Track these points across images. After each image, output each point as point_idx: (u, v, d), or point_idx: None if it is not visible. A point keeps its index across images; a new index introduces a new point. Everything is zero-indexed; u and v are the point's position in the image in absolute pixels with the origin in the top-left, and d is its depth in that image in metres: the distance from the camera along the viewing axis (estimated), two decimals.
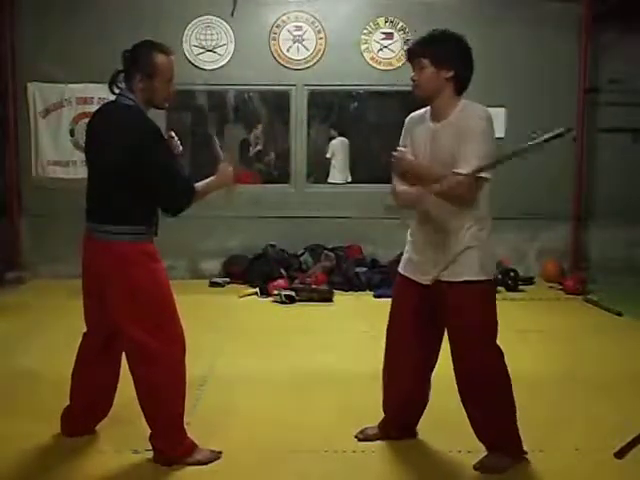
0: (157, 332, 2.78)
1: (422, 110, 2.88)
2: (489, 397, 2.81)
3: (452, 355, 2.84)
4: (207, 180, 2.93)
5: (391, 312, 3.02)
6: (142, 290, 2.77)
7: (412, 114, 2.94)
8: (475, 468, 2.86)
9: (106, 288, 2.79)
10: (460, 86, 2.76)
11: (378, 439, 3.13)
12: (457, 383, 2.86)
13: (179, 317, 2.90)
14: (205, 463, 2.88)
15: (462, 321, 2.77)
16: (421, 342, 2.93)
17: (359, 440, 3.13)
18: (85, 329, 3.03)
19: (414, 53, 2.75)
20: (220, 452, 2.96)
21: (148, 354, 2.79)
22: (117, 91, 2.83)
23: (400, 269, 2.98)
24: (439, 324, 2.87)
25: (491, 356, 2.82)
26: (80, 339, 3.06)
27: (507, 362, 2.87)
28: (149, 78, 2.74)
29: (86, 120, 3.01)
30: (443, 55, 2.70)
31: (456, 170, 2.62)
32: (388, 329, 3.04)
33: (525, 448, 2.90)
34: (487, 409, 2.83)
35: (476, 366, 2.79)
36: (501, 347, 2.85)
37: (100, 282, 2.81)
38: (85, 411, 3.10)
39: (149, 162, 2.68)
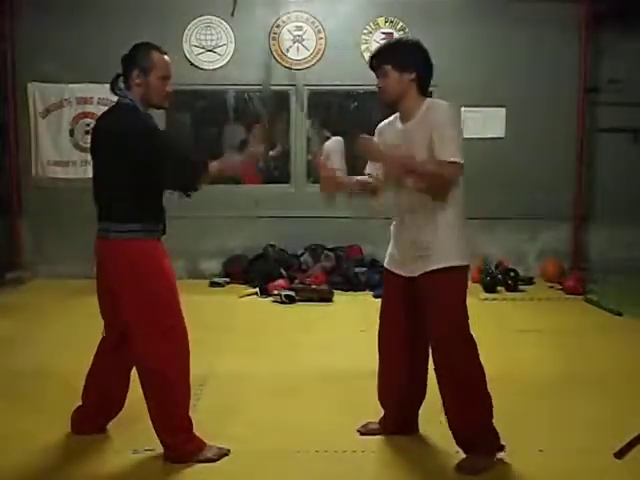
0: (159, 332, 2.80)
1: (390, 117, 3.02)
2: (460, 391, 2.83)
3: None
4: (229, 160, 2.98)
5: (381, 308, 3.10)
6: (142, 288, 2.81)
7: (380, 124, 3.09)
8: (455, 469, 2.85)
9: (114, 286, 2.86)
10: (423, 86, 2.88)
11: (379, 434, 3.16)
12: (435, 371, 2.91)
13: (182, 316, 2.91)
14: (215, 460, 2.89)
15: (429, 308, 2.83)
16: (411, 337, 2.97)
17: (361, 434, 3.18)
18: (102, 330, 3.09)
19: (376, 62, 2.91)
20: (228, 449, 2.97)
21: (151, 353, 2.81)
22: (118, 92, 2.88)
23: (385, 264, 3.08)
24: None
25: (461, 348, 2.82)
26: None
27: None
28: (145, 73, 2.83)
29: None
30: (403, 59, 2.84)
31: (441, 159, 2.72)
32: (379, 325, 3.10)
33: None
34: (459, 404, 2.84)
35: (447, 359, 2.82)
36: (475, 339, 2.85)
37: (109, 280, 2.88)
38: (96, 410, 3.11)
39: (149, 156, 2.74)
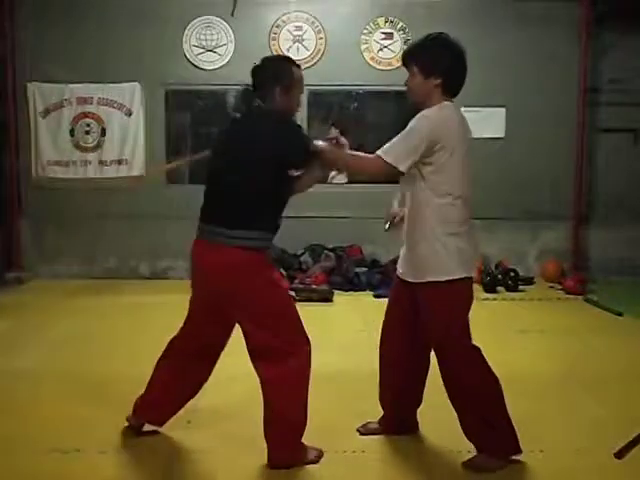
0: (282, 335, 2.82)
1: None
2: (469, 399, 2.82)
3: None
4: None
5: (386, 308, 3.09)
6: (265, 295, 2.80)
7: None
8: (464, 466, 2.86)
9: (229, 294, 2.80)
10: (449, 91, 2.83)
11: (379, 434, 3.16)
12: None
13: (301, 321, 2.91)
14: (316, 462, 2.90)
15: (428, 321, 2.82)
16: (414, 338, 2.96)
17: (361, 434, 3.18)
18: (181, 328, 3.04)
19: (406, 60, 2.88)
20: (322, 450, 2.98)
21: (275, 357, 2.81)
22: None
23: (397, 265, 3.06)
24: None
25: (462, 358, 2.81)
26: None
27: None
28: (287, 91, 2.84)
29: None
30: (431, 63, 2.79)
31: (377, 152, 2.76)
32: (383, 326, 3.10)
33: (523, 450, 2.89)
34: (469, 411, 2.83)
35: (450, 368, 2.82)
36: (479, 347, 2.84)
37: (222, 288, 2.80)
38: (153, 407, 3.08)
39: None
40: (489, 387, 2.83)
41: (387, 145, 2.73)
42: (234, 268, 2.73)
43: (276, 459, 2.86)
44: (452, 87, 2.83)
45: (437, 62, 2.78)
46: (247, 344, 2.87)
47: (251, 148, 2.74)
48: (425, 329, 2.85)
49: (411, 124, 2.75)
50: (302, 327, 2.90)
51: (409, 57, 2.86)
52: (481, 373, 2.82)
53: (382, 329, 3.10)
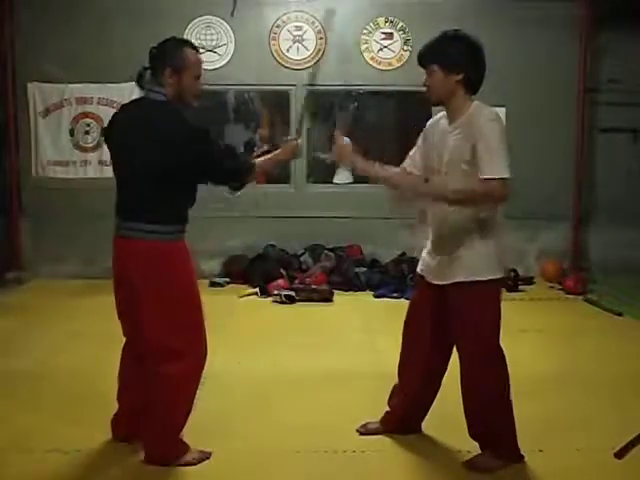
0: (180, 332, 2.77)
1: (440, 114, 2.92)
2: (486, 401, 2.82)
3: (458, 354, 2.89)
4: (268, 155, 3.02)
5: (408, 311, 3.06)
6: (168, 289, 2.76)
7: (432, 118, 3.00)
8: (464, 466, 2.86)
9: (133, 288, 2.75)
10: (471, 87, 2.79)
11: (379, 433, 3.15)
12: (460, 381, 2.88)
13: (203, 319, 2.89)
14: (194, 464, 2.85)
15: (459, 322, 2.81)
16: (434, 343, 2.95)
17: (361, 434, 3.17)
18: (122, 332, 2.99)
19: (423, 58, 2.82)
20: (210, 453, 2.93)
21: (170, 353, 2.75)
22: (147, 87, 2.81)
23: (417, 269, 3.03)
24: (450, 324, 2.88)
25: (491, 357, 2.82)
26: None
27: (507, 362, 2.88)
28: (178, 73, 2.75)
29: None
30: (451, 60, 2.73)
31: (485, 176, 2.66)
32: (404, 328, 3.07)
33: (522, 450, 2.89)
34: (483, 412, 2.83)
35: (475, 366, 2.81)
36: (503, 350, 2.85)
37: (129, 282, 2.76)
38: (132, 415, 3.00)
39: (202, 154, 2.70)
40: (506, 389, 2.83)
41: (488, 164, 2.63)
42: (143, 260, 2.71)
43: (151, 456, 2.83)
44: (474, 83, 2.77)
45: (457, 57, 2.73)
46: (143, 337, 2.78)
47: (137, 143, 2.70)
48: (458, 332, 2.82)
49: (492, 129, 2.70)
50: (202, 327, 2.87)
51: (427, 55, 2.79)
52: (504, 375, 2.83)
53: (403, 332, 3.07)
